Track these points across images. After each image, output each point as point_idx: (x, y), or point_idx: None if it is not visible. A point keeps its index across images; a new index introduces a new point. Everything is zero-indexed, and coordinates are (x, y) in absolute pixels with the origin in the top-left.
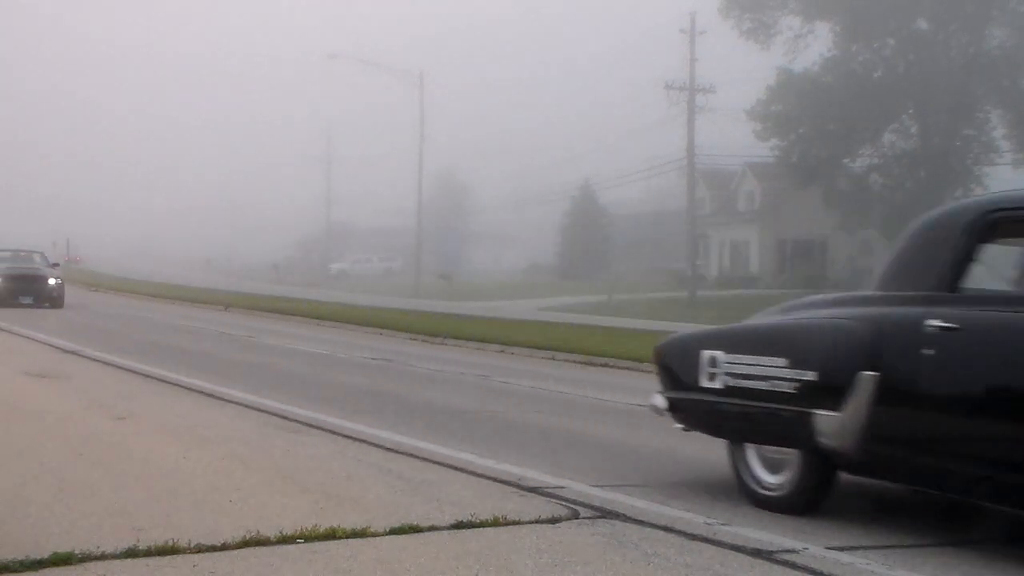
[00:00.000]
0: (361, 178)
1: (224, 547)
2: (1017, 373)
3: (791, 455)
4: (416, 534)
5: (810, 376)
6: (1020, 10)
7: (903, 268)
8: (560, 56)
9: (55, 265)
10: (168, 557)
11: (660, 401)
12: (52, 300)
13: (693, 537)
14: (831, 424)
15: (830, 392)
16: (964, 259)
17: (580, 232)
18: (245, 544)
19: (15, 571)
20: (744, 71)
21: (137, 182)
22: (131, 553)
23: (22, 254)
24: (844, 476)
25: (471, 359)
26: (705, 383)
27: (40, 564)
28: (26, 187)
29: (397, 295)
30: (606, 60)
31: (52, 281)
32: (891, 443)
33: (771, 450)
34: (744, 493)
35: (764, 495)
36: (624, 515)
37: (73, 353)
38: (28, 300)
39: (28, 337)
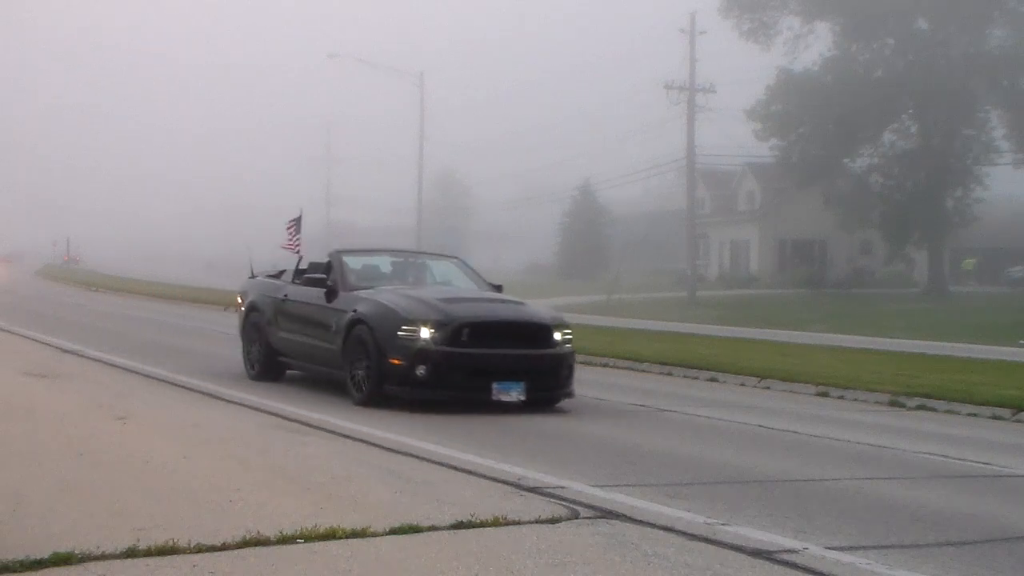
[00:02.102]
0: (361, 178)
1: (224, 547)
2: None
3: None
4: (416, 534)
5: None
6: (1020, 10)
7: None
8: (560, 56)
9: (498, 288)
10: (168, 557)
11: None
12: (562, 384)
13: (693, 537)
14: None
15: None
16: None
17: (580, 232)
18: (245, 544)
19: (15, 571)
20: (744, 71)
21: (137, 183)
22: (131, 553)
23: (411, 259)
24: (845, 476)
25: None
26: None
27: (40, 564)
28: (27, 188)
29: None
30: (606, 60)
31: (558, 336)
32: None
33: None
34: None
35: None
36: (624, 515)
37: (73, 353)
38: (513, 393)
39: (28, 337)
